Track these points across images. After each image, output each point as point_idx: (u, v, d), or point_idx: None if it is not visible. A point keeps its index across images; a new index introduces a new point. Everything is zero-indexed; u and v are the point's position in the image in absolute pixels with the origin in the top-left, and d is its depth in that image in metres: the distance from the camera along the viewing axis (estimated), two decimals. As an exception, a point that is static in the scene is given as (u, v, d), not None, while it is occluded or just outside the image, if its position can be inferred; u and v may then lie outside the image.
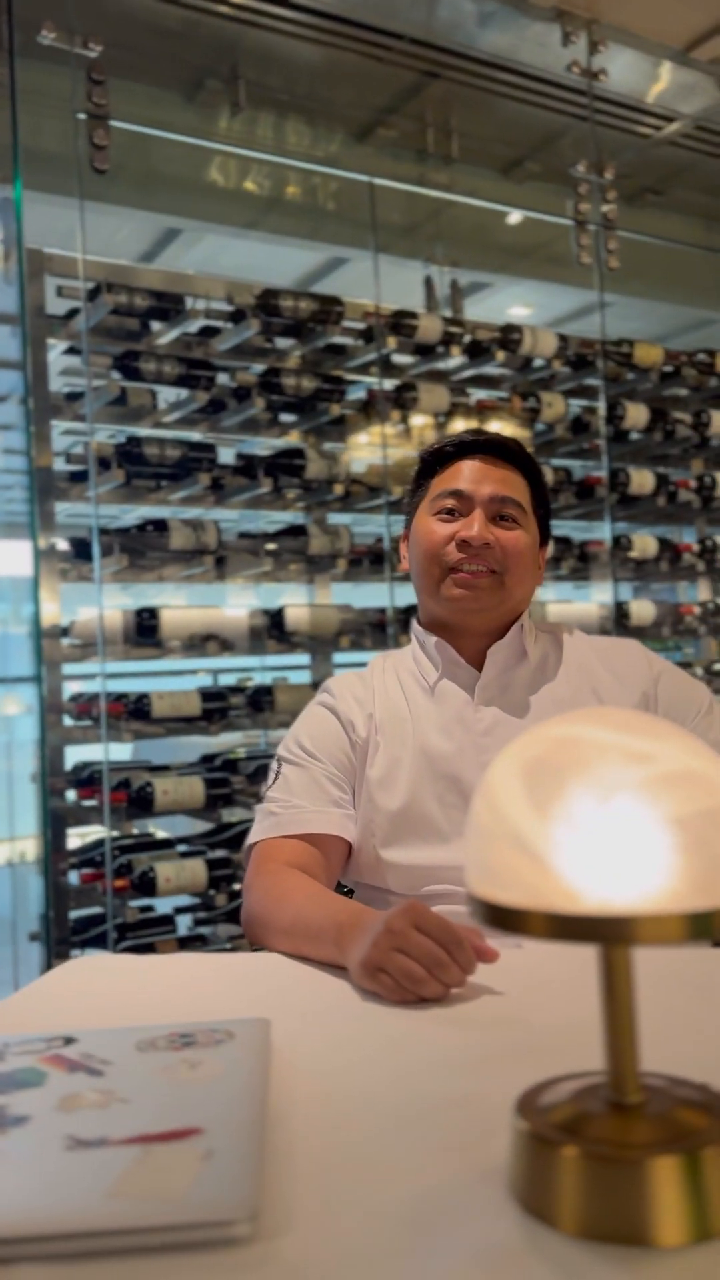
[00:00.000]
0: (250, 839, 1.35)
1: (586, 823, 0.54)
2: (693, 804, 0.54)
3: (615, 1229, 0.54)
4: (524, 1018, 0.90)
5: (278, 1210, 0.59)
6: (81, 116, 2.93)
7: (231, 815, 3.16)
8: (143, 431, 3.17)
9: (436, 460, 1.44)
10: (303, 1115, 0.72)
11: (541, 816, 0.55)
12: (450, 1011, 0.92)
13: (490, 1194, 0.59)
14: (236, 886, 2.95)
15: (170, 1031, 0.84)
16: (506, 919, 0.55)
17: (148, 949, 2.83)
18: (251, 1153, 0.63)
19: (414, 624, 1.48)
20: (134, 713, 2.93)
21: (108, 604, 2.96)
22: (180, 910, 3.05)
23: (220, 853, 3.04)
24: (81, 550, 2.93)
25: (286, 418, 3.48)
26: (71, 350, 3.05)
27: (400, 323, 3.45)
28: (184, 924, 3.06)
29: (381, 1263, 0.54)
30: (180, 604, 3.37)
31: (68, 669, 2.89)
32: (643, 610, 4.06)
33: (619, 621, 3.94)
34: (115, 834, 2.90)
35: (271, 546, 3.42)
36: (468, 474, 1.40)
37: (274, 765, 1.41)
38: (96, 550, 2.87)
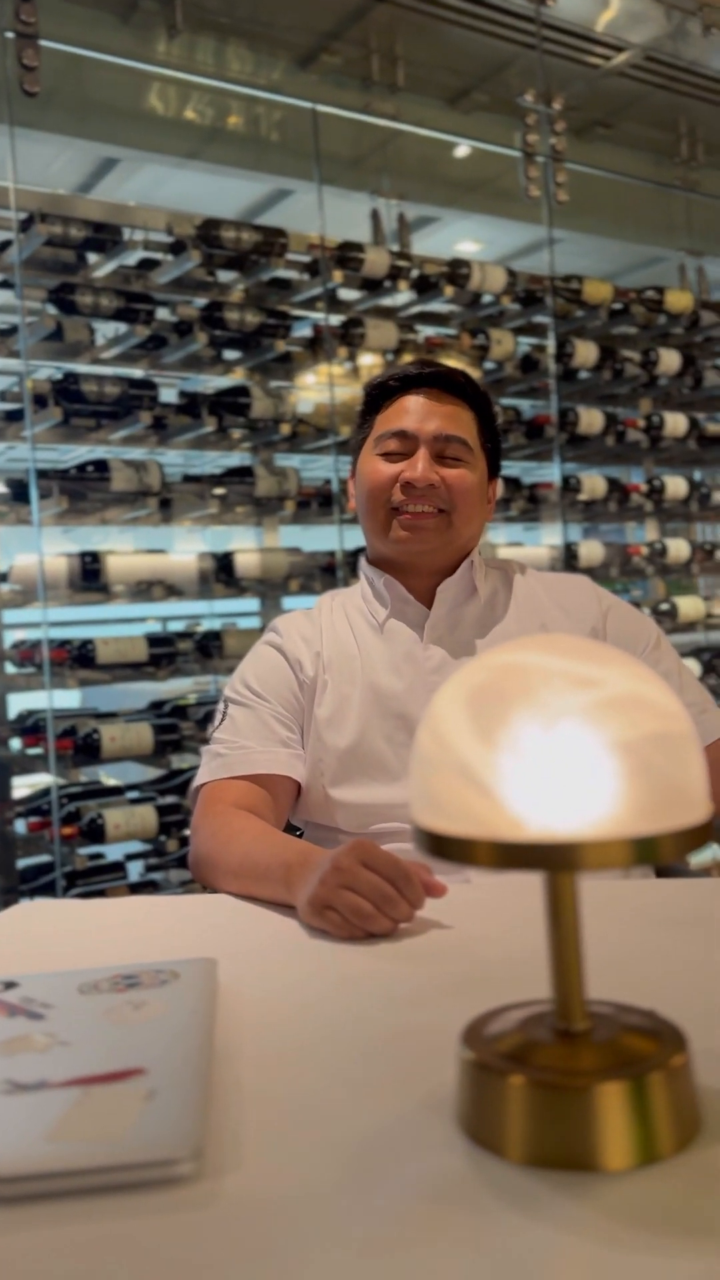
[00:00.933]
0: (197, 781, 1.33)
1: (531, 750, 0.52)
2: (638, 729, 0.53)
3: (562, 1156, 0.53)
4: (472, 950, 0.90)
5: (223, 1148, 0.58)
6: (9, 35, 2.78)
7: (182, 761, 3.14)
8: (80, 368, 3.08)
9: (381, 395, 1.41)
10: (249, 1053, 0.71)
11: (486, 744, 0.53)
12: (398, 946, 0.92)
13: (437, 1125, 0.59)
14: (187, 832, 2.94)
15: (114, 974, 0.82)
16: (451, 848, 0.54)
17: (98, 896, 2.81)
18: (195, 1091, 0.61)
19: (362, 561, 1.46)
20: (78, 659, 2.89)
21: (49, 548, 2.89)
22: (131, 857, 3.04)
23: (171, 799, 3.03)
24: (19, 492, 2.85)
25: (230, 354, 3.40)
26: (4, 284, 2.94)
27: (346, 256, 3.37)
28: (135, 870, 3.05)
29: (326, 1197, 0.53)
30: (127, 549, 3.31)
31: (8, 616, 2.83)
32: (592, 551, 4.08)
33: (568, 563, 3.95)
34: (62, 782, 2.87)
35: (220, 491, 3.36)
36: (412, 410, 1.36)
37: (220, 706, 1.39)
38: (34, 492, 2.79)
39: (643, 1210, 0.50)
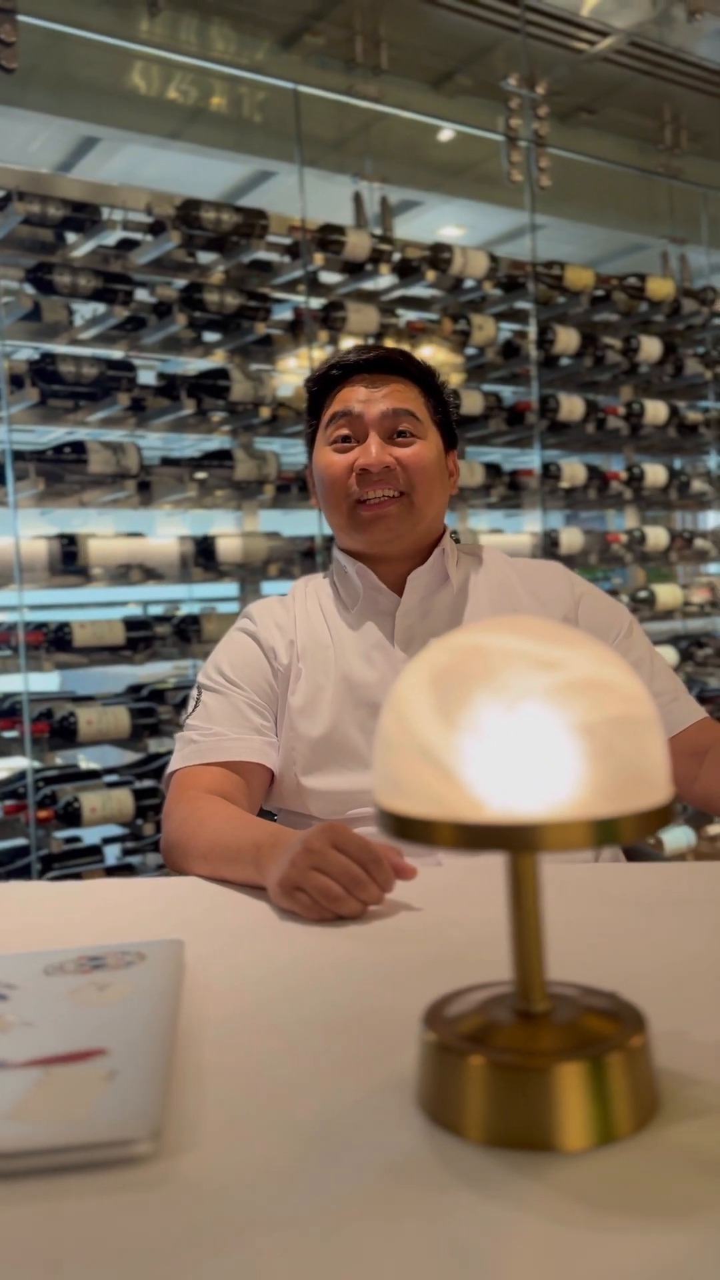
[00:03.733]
0: (171, 767, 1.32)
1: (493, 731, 0.52)
2: (600, 711, 0.53)
3: (520, 1135, 0.53)
4: (440, 932, 0.90)
5: (183, 1128, 0.58)
6: (-13, 9, 2.74)
7: (159, 745, 3.13)
8: (58, 348, 3.05)
9: (324, 387, 1.40)
10: (213, 1034, 0.71)
11: (448, 726, 0.53)
12: (367, 928, 0.92)
13: (397, 1106, 0.59)
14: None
15: (80, 955, 0.82)
16: (413, 830, 0.54)
17: (74, 879, 2.81)
18: (156, 1072, 0.61)
19: (335, 549, 1.45)
20: (55, 642, 2.87)
21: (25, 531, 2.87)
22: (108, 840, 3.03)
23: (148, 782, 3.02)
24: (-4, 474, 2.83)
25: (210, 336, 3.38)
26: (-19, 262, 2.91)
27: (328, 238, 3.35)
28: (112, 854, 3.04)
29: (284, 1177, 0.53)
30: (106, 532, 3.29)
31: (-15, 598, 2.81)
32: (572, 539, 4.08)
33: (548, 550, 3.95)
34: (38, 765, 2.86)
35: (202, 475, 3.34)
36: (356, 396, 1.35)
37: (194, 693, 1.38)
38: (10, 473, 2.77)
39: (598, 1189, 0.50)
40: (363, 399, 1.34)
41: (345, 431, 1.34)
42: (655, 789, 0.53)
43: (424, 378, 1.39)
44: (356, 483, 1.32)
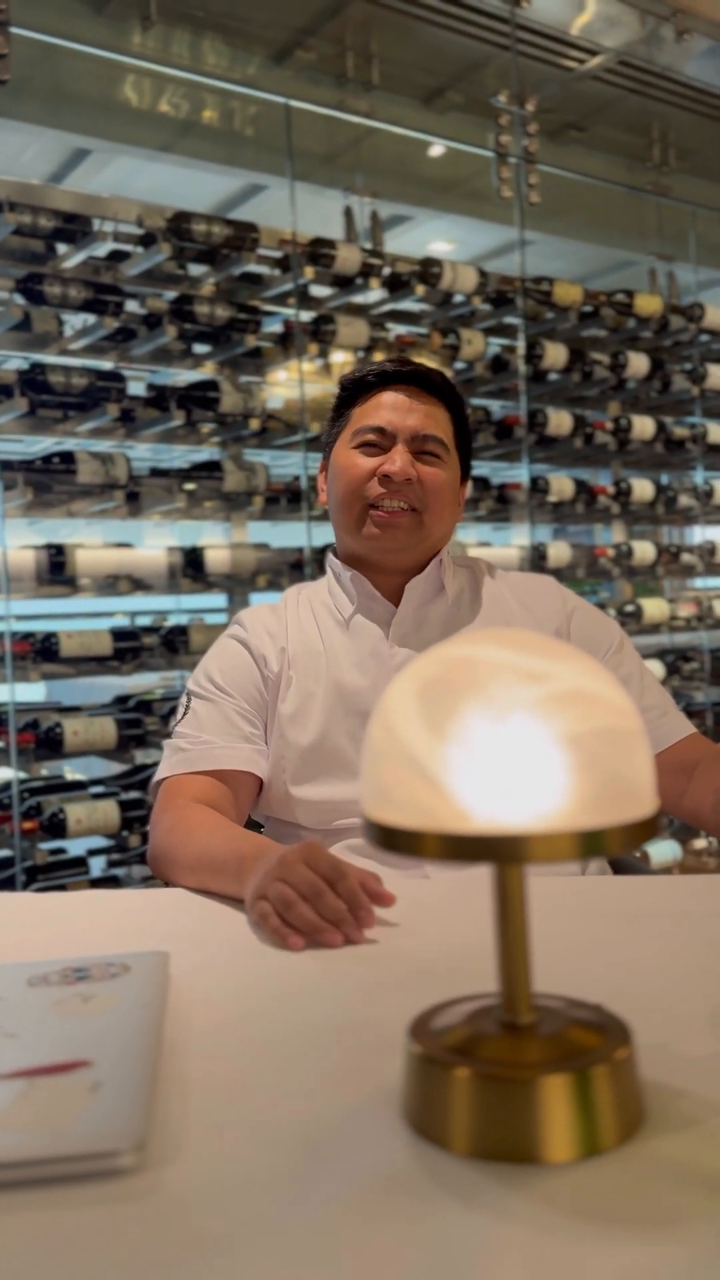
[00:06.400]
0: (158, 775, 1.32)
1: (480, 742, 0.52)
2: (586, 723, 0.53)
3: (505, 1148, 0.53)
4: (427, 944, 0.90)
5: (167, 1140, 0.58)
6: (-21, 21, 2.75)
7: (146, 756, 3.12)
8: (48, 358, 3.05)
9: (358, 389, 1.40)
10: (198, 1045, 0.70)
11: (435, 737, 0.54)
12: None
13: (383, 1118, 0.59)
14: (149, 827, 2.92)
15: (64, 966, 0.81)
16: (399, 840, 0.54)
17: (59, 891, 2.79)
18: (140, 1084, 0.61)
19: (330, 556, 1.45)
20: (41, 652, 2.86)
21: (13, 541, 2.86)
22: (93, 852, 3.02)
23: (134, 794, 3.01)
24: (-16, 483, 2.82)
25: (200, 348, 3.38)
26: (-29, 273, 2.91)
27: (318, 252, 3.36)
28: (97, 866, 3.03)
29: (268, 1190, 0.53)
30: (95, 542, 3.28)
31: (-28, 608, 2.80)
32: (560, 552, 4.10)
33: (536, 564, 3.97)
34: (23, 776, 2.84)
35: (191, 487, 3.34)
36: (390, 406, 1.36)
37: (183, 700, 1.38)
38: (-1, 483, 2.77)
39: (583, 1201, 0.50)
40: (399, 411, 1.35)
41: (373, 436, 1.35)
42: (641, 801, 0.54)
43: (455, 405, 1.41)
44: (376, 487, 1.34)
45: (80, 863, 2.95)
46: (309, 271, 3.36)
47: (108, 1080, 0.61)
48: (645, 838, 0.53)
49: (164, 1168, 0.55)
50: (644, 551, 4.37)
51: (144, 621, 3.73)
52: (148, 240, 3.07)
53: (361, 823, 0.57)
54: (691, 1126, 0.57)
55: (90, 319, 3.05)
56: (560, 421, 4.02)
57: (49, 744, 2.82)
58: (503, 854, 0.51)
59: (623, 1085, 0.56)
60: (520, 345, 3.92)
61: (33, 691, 3.39)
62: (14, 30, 2.79)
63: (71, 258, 3.04)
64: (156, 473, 3.34)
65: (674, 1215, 0.49)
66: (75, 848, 2.97)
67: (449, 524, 1.40)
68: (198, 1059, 0.68)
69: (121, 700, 3.22)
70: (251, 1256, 0.47)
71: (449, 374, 3.88)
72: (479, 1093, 0.54)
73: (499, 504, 4.05)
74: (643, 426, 4.29)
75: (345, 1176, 0.53)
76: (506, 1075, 0.54)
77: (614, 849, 0.52)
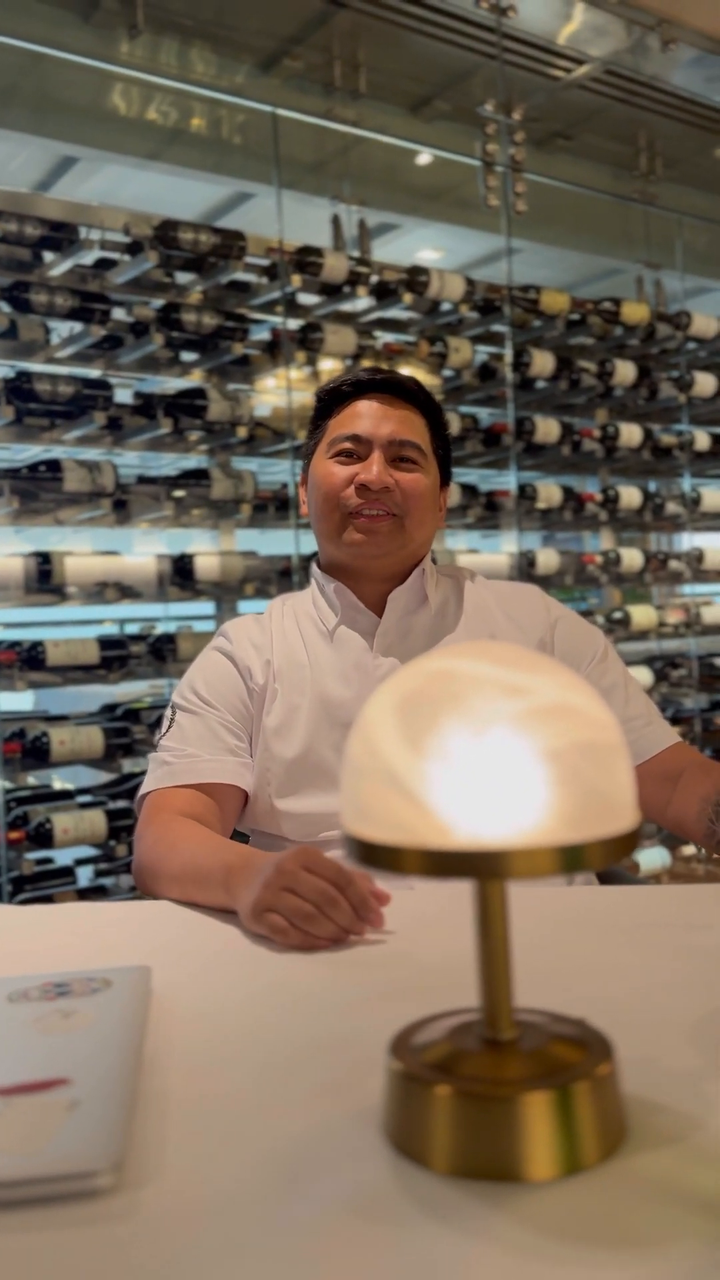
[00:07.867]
0: (143, 789, 1.31)
1: (460, 757, 0.52)
2: (567, 737, 0.53)
3: (486, 1166, 0.53)
4: (410, 958, 0.90)
5: (145, 1160, 0.57)
6: (-35, 28, 2.75)
7: (134, 765, 3.11)
8: (35, 366, 3.04)
9: (333, 400, 1.40)
10: (178, 1062, 0.70)
11: (415, 751, 0.53)
12: (335, 954, 0.91)
13: (363, 1136, 0.58)
14: (138, 836, 2.90)
15: (45, 981, 0.81)
16: (379, 856, 0.53)
17: (46, 901, 2.78)
18: (119, 1102, 0.60)
19: (313, 567, 1.45)
20: (28, 661, 2.85)
21: (1, 549, 2.85)
22: (81, 862, 3.00)
23: (121, 803, 3.00)
24: (-30, 491, 2.81)
25: (187, 356, 3.38)
26: (-42, 281, 2.90)
27: (305, 260, 3.37)
28: (85, 876, 3.01)
29: (246, 1209, 0.52)
30: (83, 550, 3.27)
31: (-42, 616, 2.79)
32: (548, 559, 4.10)
33: (525, 571, 3.97)
34: (10, 785, 2.83)
35: (179, 495, 3.33)
36: (366, 414, 1.36)
37: (168, 713, 1.37)
38: (-14, 491, 2.76)
39: (564, 1219, 0.50)
40: (374, 419, 1.35)
41: (350, 445, 1.35)
42: (621, 816, 0.53)
43: (431, 411, 1.41)
44: (354, 496, 1.33)
45: (68, 872, 2.93)
46: (296, 279, 3.36)
47: (86, 1099, 0.60)
48: (625, 852, 0.53)
49: (142, 1188, 0.54)
50: (632, 558, 4.38)
51: (131, 629, 3.72)
52: (135, 248, 3.07)
53: (342, 837, 0.57)
54: (673, 1143, 0.56)
55: (77, 327, 3.04)
56: (548, 429, 4.03)
57: (36, 753, 2.80)
58: (483, 870, 0.51)
59: (605, 1102, 0.55)
60: (508, 353, 3.92)
61: (19, 700, 3.37)
62: (1, 39, 2.79)
63: (58, 266, 3.03)
64: (144, 480, 3.33)
65: (656, 1234, 0.48)
66: (63, 857, 2.95)
67: (430, 529, 1.40)
68: (178, 1076, 0.68)
69: (109, 709, 3.20)
70: (230, 1277, 0.47)
71: (436, 382, 3.91)
72: (459, 1111, 0.54)
73: (487, 511, 4.05)
74: (630, 434, 4.30)
75: (325, 1196, 0.53)
76: (487, 1093, 0.54)
77: (594, 864, 0.52)
